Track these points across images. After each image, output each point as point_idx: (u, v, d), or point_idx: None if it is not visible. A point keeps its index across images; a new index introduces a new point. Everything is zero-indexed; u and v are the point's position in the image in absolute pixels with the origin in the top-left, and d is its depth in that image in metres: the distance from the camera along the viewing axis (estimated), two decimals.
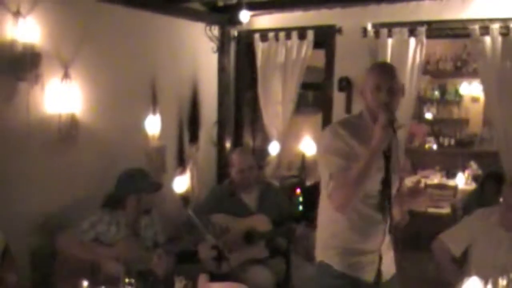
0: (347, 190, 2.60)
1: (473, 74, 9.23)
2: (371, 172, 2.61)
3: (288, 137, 5.99)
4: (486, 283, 2.96)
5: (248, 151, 5.49)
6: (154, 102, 5.07)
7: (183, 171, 5.50)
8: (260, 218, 4.28)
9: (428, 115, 9.96)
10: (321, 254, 2.92)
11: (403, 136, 4.89)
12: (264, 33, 5.75)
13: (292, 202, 5.70)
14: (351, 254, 2.80)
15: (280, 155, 5.92)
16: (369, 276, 2.81)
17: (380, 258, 2.81)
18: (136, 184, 3.69)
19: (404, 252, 3.06)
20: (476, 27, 4.60)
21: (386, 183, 2.73)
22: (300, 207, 5.38)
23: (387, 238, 2.84)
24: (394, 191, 2.84)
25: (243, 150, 4.98)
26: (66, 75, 4.15)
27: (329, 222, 2.85)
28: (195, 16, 5.51)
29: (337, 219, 2.77)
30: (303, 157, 7.32)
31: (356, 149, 2.67)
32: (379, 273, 2.81)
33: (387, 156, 2.69)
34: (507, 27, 4.51)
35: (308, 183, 6.77)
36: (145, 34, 4.97)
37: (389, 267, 2.89)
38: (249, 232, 4.22)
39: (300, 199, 5.66)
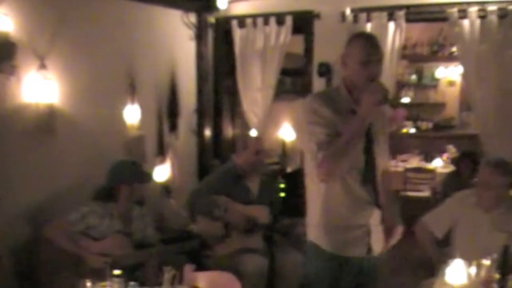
0: (336, 158, 2.61)
1: (449, 58, 9.33)
2: (357, 140, 2.65)
3: (267, 124, 5.97)
4: (469, 264, 2.98)
5: None
6: (132, 91, 5.00)
7: (163, 160, 5.46)
8: (261, 209, 4.30)
9: (405, 99, 10.01)
10: (310, 233, 2.94)
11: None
12: (241, 20, 5.69)
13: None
14: (339, 231, 2.82)
15: None
16: (359, 252, 2.84)
17: (369, 233, 2.83)
18: (128, 174, 3.67)
19: None
20: (455, 10, 4.61)
21: (369, 154, 2.77)
22: (282, 194, 5.38)
23: (375, 212, 2.85)
24: (381, 163, 2.87)
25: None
26: (42, 66, 4.07)
27: (316, 199, 2.86)
28: (171, 3, 5.44)
29: (323, 195, 2.80)
30: (283, 143, 7.32)
31: (335, 120, 2.68)
32: (369, 247, 2.84)
33: (369, 128, 2.73)
34: (484, 10, 4.53)
35: (289, 169, 6.77)
36: (121, 22, 4.89)
37: (378, 241, 2.90)
38: (250, 222, 4.24)
39: (282, 185, 5.65)
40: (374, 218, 2.86)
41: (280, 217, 4.49)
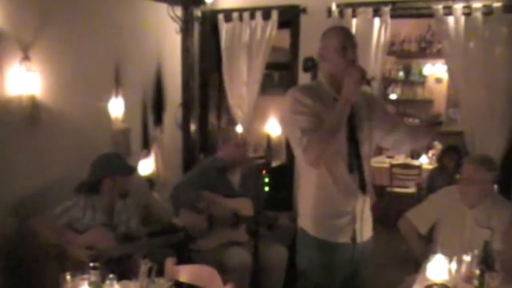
0: (321, 142, 2.67)
1: (437, 55, 9.36)
2: (342, 124, 2.72)
3: (253, 118, 5.96)
4: (451, 260, 2.99)
5: None
6: (117, 84, 4.97)
7: (147, 154, 5.43)
8: (244, 201, 4.32)
9: (393, 96, 10.03)
10: (300, 220, 3.05)
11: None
12: (228, 14, 5.66)
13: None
14: (326, 218, 2.91)
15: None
16: (346, 238, 2.91)
17: (354, 220, 2.90)
18: (111, 167, 3.68)
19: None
20: (440, 7, 4.61)
21: (353, 141, 2.86)
22: (266, 188, 5.36)
23: (361, 199, 2.93)
24: (368, 147, 2.96)
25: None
26: (25, 57, 4.02)
27: (308, 188, 2.95)
28: None
29: (315, 184, 2.89)
30: (268, 138, 7.32)
31: (318, 109, 2.78)
32: (354, 233, 2.90)
33: (352, 115, 2.82)
34: (469, 7, 4.53)
35: (274, 164, 6.77)
36: (107, 15, 4.84)
37: (365, 228, 3.00)
38: (235, 215, 4.27)
39: (266, 180, 5.63)
40: (360, 205, 2.93)
41: (265, 211, 4.49)
